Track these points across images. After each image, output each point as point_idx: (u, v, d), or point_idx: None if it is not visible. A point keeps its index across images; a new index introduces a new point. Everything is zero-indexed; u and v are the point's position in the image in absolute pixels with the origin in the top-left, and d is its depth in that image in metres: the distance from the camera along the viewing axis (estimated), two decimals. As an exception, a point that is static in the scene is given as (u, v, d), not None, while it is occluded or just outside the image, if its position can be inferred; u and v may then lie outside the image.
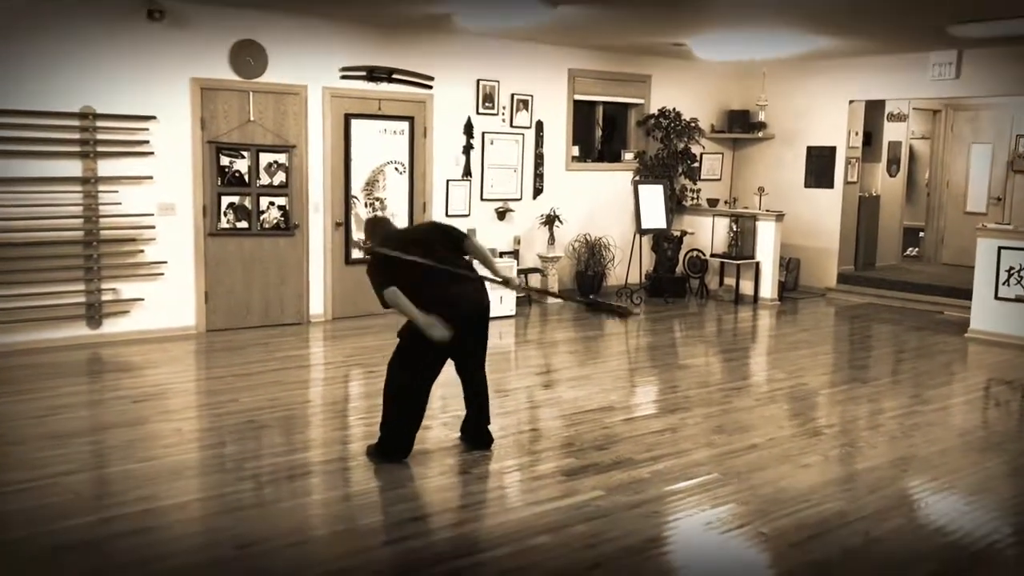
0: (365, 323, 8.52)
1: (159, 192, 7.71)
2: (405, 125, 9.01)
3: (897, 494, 4.65)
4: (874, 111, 11.54)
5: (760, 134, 11.38)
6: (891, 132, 12.11)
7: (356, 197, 8.82)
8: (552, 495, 4.45)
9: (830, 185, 10.98)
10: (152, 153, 7.63)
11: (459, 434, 5.23)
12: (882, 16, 7.70)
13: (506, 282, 5.24)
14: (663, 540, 4.04)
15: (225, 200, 8.06)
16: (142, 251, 7.69)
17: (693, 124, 10.82)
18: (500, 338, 8.43)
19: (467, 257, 5.10)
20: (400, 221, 9.08)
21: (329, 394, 6.57)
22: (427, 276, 4.76)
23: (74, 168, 7.32)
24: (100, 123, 7.38)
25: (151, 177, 7.64)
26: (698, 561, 3.84)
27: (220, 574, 3.61)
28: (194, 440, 5.28)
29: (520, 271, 9.65)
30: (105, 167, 7.45)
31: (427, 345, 4.74)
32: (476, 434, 5.14)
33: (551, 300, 9.95)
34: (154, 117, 7.61)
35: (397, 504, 4.37)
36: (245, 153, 8.10)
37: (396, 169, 9.01)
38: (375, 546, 3.90)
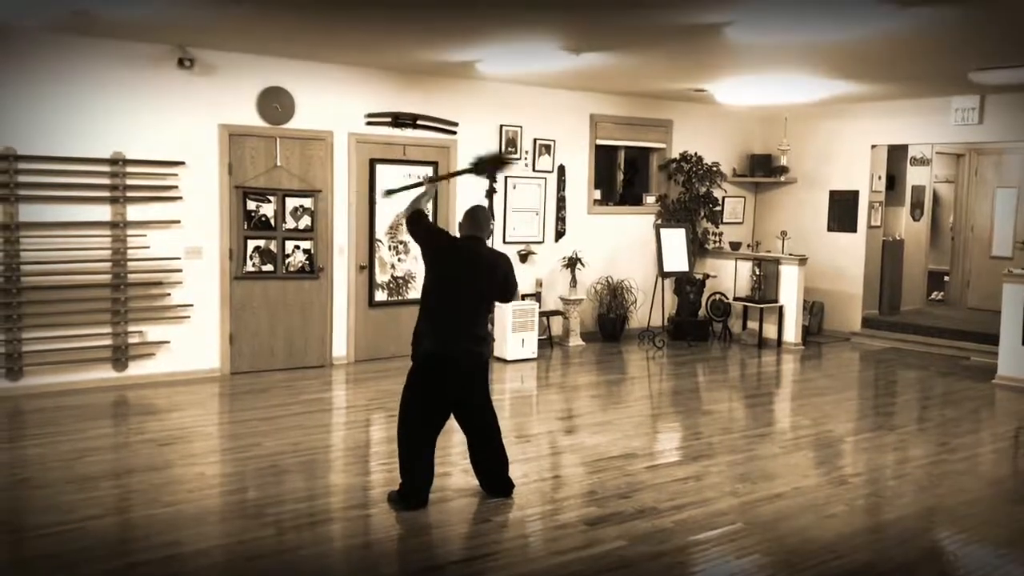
0: (388, 366, 8.55)
1: (186, 236, 7.82)
2: (429, 170, 9.09)
3: (926, 546, 4.58)
4: (897, 155, 11.54)
5: (782, 178, 11.39)
6: (914, 176, 12.09)
7: (380, 241, 8.89)
8: (574, 545, 4.42)
9: (853, 229, 10.95)
10: (180, 198, 7.76)
11: (479, 481, 5.21)
12: (904, 63, 7.74)
13: (422, 186, 5.47)
14: (687, 592, 4.00)
15: (251, 244, 8.16)
16: (169, 294, 7.78)
17: (715, 168, 10.87)
18: (522, 382, 8.43)
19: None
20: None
21: (351, 438, 6.58)
22: (445, 292, 4.84)
23: (104, 212, 7.46)
24: (130, 168, 7.52)
25: (179, 221, 7.76)
26: (723, 614, 3.79)
27: (242, 623, 3.61)
28: (217, 485, 5.30)
29: (542, 313, 9.67)
30: (134, 211, 7.57)
31: (416, 395, 4.79)
32: (496, 484, 5.09)
33: (573, 343, 9.94)
34: (183, 162, 7.75)
35: (417, 553, 4.35)
36: (271, 198, 8.21)
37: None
38: (397, 595, 3.88)
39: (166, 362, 7.82)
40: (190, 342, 7.92)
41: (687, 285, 10.66)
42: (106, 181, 7.44)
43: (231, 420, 6.87)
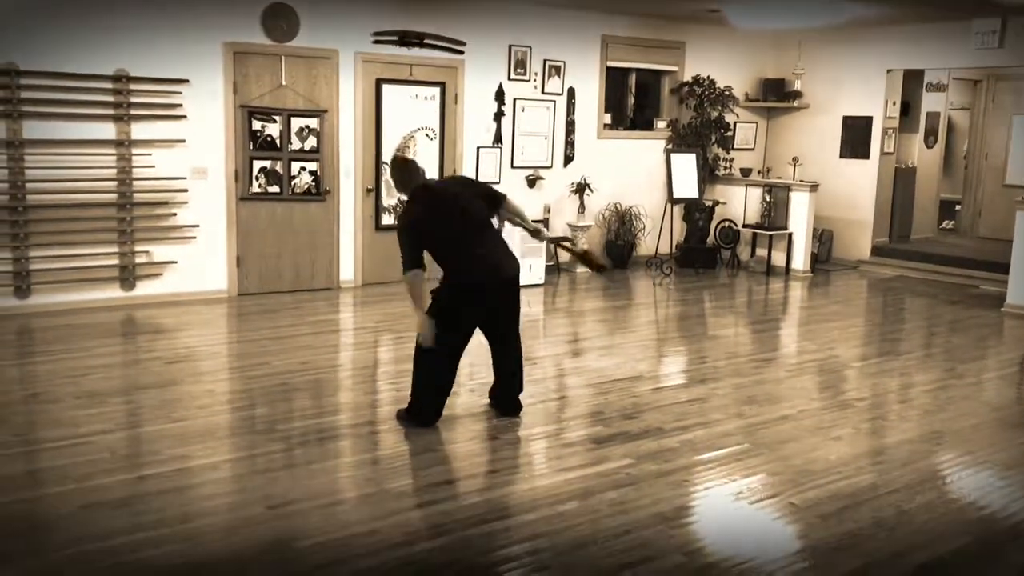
0: (394, 289, 8.53)
1: (192, 156, 7.74)
2: (436, 91, 8.96)
3: (929, 468, 4.60)
4: (912, 81, 11.32)
5: (795, 103, 11.20)
6: (929, 102, 11.88)
7: (387, 163, 8.80)
8: (581, 462, 4.46)
9: (866, 156, 10.80)
10: (185, 117, 7.66)
11: (488, 400, 5.24)
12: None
13: (536, 232, 5.29)
14: (692, 509, 4.03)
15: (257, 164, 8.08)
16: (175, 214, 7.74)
17: (727, 92, 10.67)
18: (529, 307, 8.41)
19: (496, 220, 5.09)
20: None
21: (359, 359, 6.61)
22: (455, 238, 4.75)
23: (108, 131, 7.37)
24: (133, 86, 7.40)
25: (184, 141, 7.67)
26: (727, 531, 3.82)
27: (251, 534, 3.65)
28: (226, 402, 5.34)
29: (549, 240, 9.59)
30: (139, 130, 7.48)
31: (457, 312, 4.74)
32: (506, 401, 5.13)
33: (580, 269, 9.91)
34: (187, 81, 7.63)
35: (426, 468, 4.39)
36: (277, 118, 8.11)
37: (427, 135, 8.98)
38: (405, 508, 3.92)
39: (173, 282, 7.82)
40: (197, 262, 7.91)
41: (696, 212, 10.57)
42: (110, 99, 7.34)
43: (239, 340, 6.90)
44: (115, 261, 7.55)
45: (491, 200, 4.98)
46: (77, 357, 6.06)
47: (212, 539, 3.60)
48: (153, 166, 7.56)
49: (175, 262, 7.80)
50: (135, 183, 7.50)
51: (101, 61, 7.26)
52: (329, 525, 3.73)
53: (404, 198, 4.92)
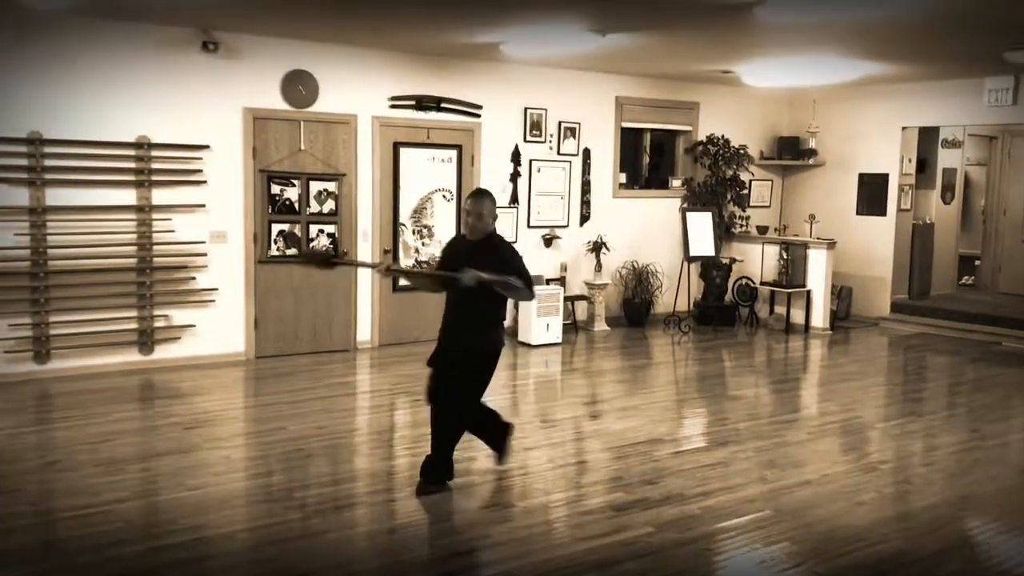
0: (412, 350, 8.52)
1: (211, 220, 7.83)
2: (453, 153, 9.06)
3: (957, 534, 4.50)
4: (928, 137, 11.34)
5: (811, 161, 11.24)
6: (946, 159, 11.88)
7: (404, 224, 8.87)
8: (601, 531, 4.39)
9: (883, 212, 10.78)
10: (205, 182, 7.76)
11: (496, 462, 5.21)
12: (937, 43, 7.57)
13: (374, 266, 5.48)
14: (715, 580, 3.95)
15: (276, 228, 8.16)
16: (194, 278, 7.80)
17: (742, 151, 10.74)
18: (546, 366, 8.39)
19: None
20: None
21: (376, 422, 6.58)
22: (448, 292, 4.90)
23: (129, 196, 7.47)
24: (155, 152, 7.52)
25: (203, 205, 7.76)
26: (751, 603, 3.74)
27: (267, 607, 3.61)
28: (243, 468, 5.31)
29: (567, 298, 9.61)
30: (159, 195, 7.58)
31: (485, 363, 4.90)
32: (436, 469, 4.89)
33: (598, 328, 9.89)
34: (207, 146, 7.75)
35: (443, 538, 4.34)
36: (296, 181, 8.20)
37: (444, 197, 9.05)
38: (422, 581, 3.87)
39: (191, 346, 7.85)
40: (215, 326, 7.95)
41: (713, 269, 10.55)
42: (131, 165, 7.46)
43: (256, 404, 6.89)
44: (134, 325, 7.59)
45: (497, 263, 4.77)
46: (95, 423, 6.06)
47: (227, 614, 3.55)
48: (173, 230, 7.64)
49: (193, 325, 7.84)
50: (155, 247, 7.57)
51: (123, 128, 7.39)
52: (345, 599, 3.67)
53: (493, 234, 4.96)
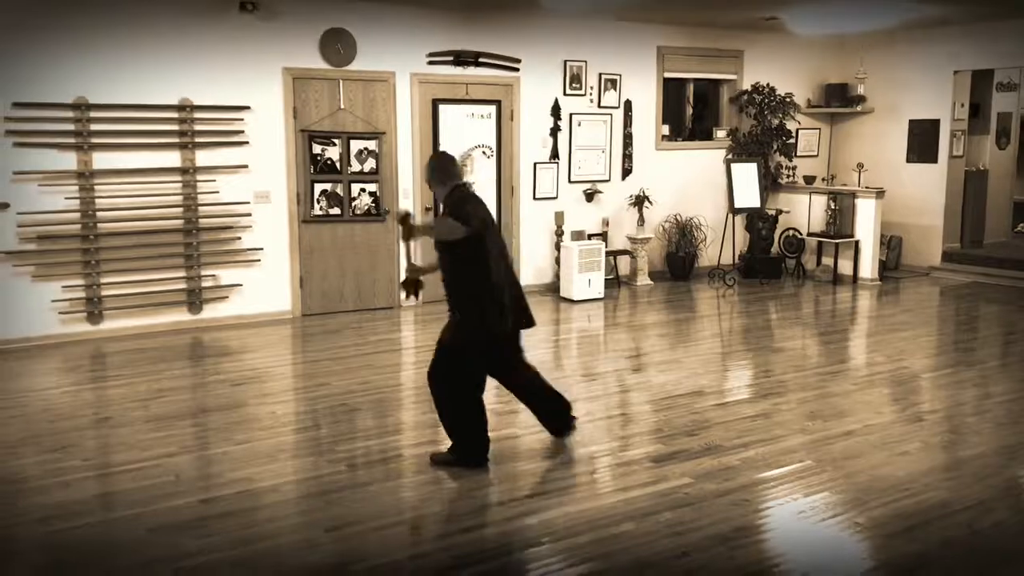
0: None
1: (254, 181, 7.92)
2: (492, 109, 9.02)
3: (1003, 484, 4.44)
4: (982, 81, 10.99)
5: (859, 108, 10.97)
6: (1001, 102, 11.51)
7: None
8: (640, 481, 4.41)
9: (933, 160, 10.51)
10: (247, 143, 7.84)
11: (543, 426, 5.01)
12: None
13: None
14: (753, 529, 3.95)
15: (318, 187, 8.22)
16: (239, 238, 7.92)
17: (788, 99, 10.51)
18: (589, 321, 8.39)
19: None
20: (488, 204, 9.09)
21: (419, 378, 6.62)
22: (500, 257, 4.54)
23: (173, 159, 7.58)
24: (197, 114, 7.61)
25: (246, 166, 7.85)
26: (789, 551, 3.73)
27: (311, 555, 3.70)
28: (289, 423, 5.42)
29: (609, 253, 9.57)
30: (203, 157, 7.68)
31: (486, 362, 4.61)
32: (559, 416, 4.87)
33: (641, 282, 9.85)
34: (248, 107, 7.81)
35: (483, 489, 4.39)
36: (336, 141, 8.24)
37: (484, 153, 9.03)
38: (462, 530, 3.92)
39: (239, 305, 7.99)
40: (262, 285, 8.07)
41: (759, 221, 10.41)
42: (175, 127, 7.56)
43: (302, 360, 7.00)
44: (183, 285, 7.75)
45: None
46: (146, 381, 6.23)
47: (273, 563, 3.65)
48: (217, 192, 7.75)
49: (240, 285, 7.97)
50: (200, 209, 7.69)
51: (166, 91, 7.48)
52: (384, 548, 3.75)
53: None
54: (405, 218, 4.60)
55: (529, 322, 4.69)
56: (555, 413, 4.85)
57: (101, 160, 7.30)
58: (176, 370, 6.60)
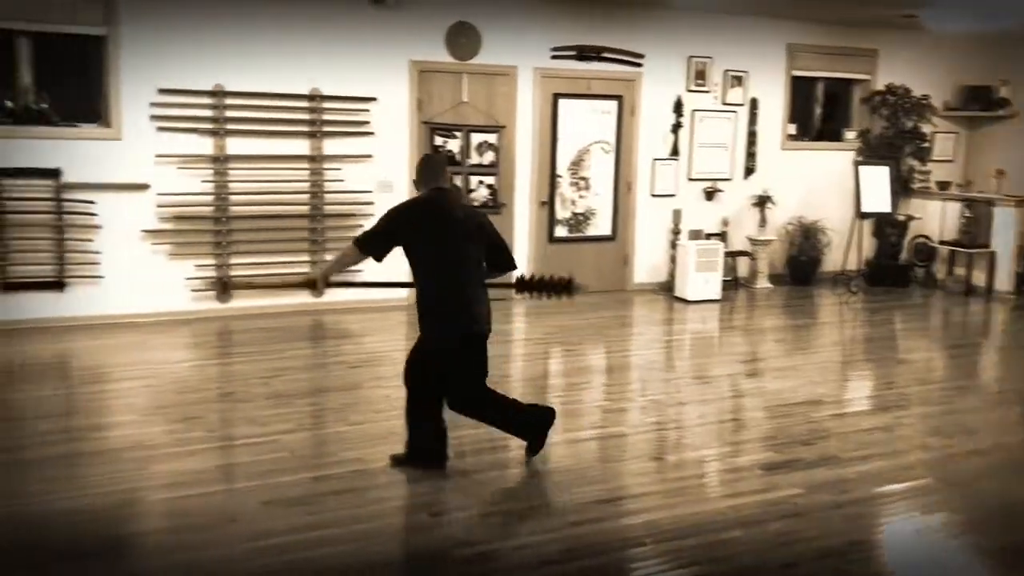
0: (565, 301, 8.56)
1: (377, 170, 8.10)
2: (613, 104, 8.97)
3: None
4: None
5: (1001, 112, 10.39)
6: None
7: (561, 176, 8.88)
8: (749, 488, 4.31)
9: (1085, 168, 9.87)
10: (372, 133, 8.03)
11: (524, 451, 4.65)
12: None
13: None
14: (866, 544, 3.81)
15: (438, 178, 8.35)
16: (361, 225, 8.11)
17: (924, 101, 10.06)
18: (703, 322, 8.25)
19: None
20: (604, 200, 9.09)
21: (528, 369, 6.68)
22: (447, 263, 4.29)
23: (302, 146, 7.84)
24: (326, 104, 7.84)
25: (371, 156, 8.04)
26: (903, 570, 3.58)
27: (415, 538, 3.77)
28: (401, 407, 5.49)
29: (727, 253, 9.38)
30: (330, 146, 7.91)
31: (430, 358, 4.39)
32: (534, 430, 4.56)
33: (760, 285, 9.63)
34: (375, 99, 8.00)
35: (590, 485, 4.37)
36: (457, 133, 8.35)
37: (603, 148, 8.99)
38: (565, 525, 3.92)
39: (359, 289, 8.18)
40: (382, 271, 8.20)
41: (888, 227, 10.01)
42: (304, 116, 7.81)
43: (416, 348, 7.12)
44: (306, 269, 7.99)
45: (501, 256, 4.51)
46: (268, 359, 6.47)
47: (379, 542, 3.74)
48: (342, 180, 7.97)
49: (361, 271, 8.15)
50: (325, 196, 7.93)
51: (297, 81, 7.74)
52: (488, 535, 3.79)
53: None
54: (309, 284, 4.66)
55: (484, 330, 4.45)
56: (531, 424, 4.57)
57: (235, 145, 7.61)
58: (297, 350, 6.83)
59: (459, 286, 4.32)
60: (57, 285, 7.24)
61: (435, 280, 4.32)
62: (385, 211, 4.42)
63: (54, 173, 7.10)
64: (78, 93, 7.34)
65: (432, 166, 4.49)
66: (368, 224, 5.07)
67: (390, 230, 4.32)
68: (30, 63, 7.15)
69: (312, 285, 4.64)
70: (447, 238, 4.29)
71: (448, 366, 4.36)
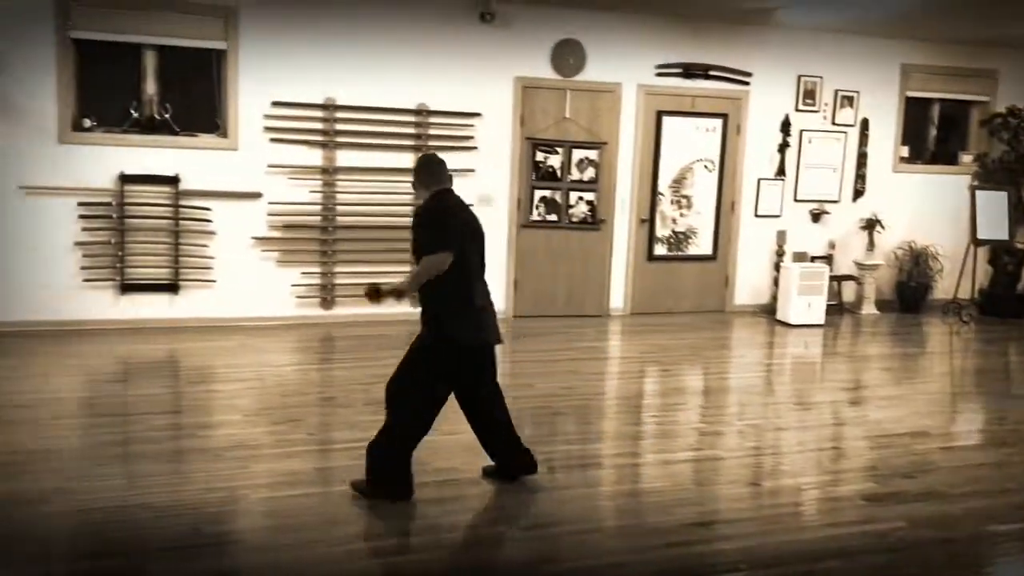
0: (663, 320, 8.52)
1: (479, 184, 8.21)
2: (718, 122, 8.87)
3: None
4: None
5: None
6: None
7: (662, 194, 8.82)
8: (848, 519, 4.19)
9: None
10: (476, 148, 8.14)
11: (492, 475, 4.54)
12: None
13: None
14: (973, 586, 3.66)
15: (538, 194, 8.41)
16: (461, 238, 8.23)
17: (1048, 125, 9.61)
18: (806, 347, 8.06)
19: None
20: (706, 219, 8.98)
21: (623, 388, 6.65)
22: (480, 265, 4.27)
23: (407, 160, 7.99)
24: (432, 119, 7.99)
25: (473, 170, 8.15)
26: (1015, 616, 3.43)
27: (506, 551, 3.79)
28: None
29: (833, 277, 9.14)
30: (434, 159, 8.05)
31: (447, 384, 4.31)
32: (516, 455, 4.47)
33: (866, 311, 9.34)
34: (479, 114, 8.11)
35: (685, 507, 4.31)
36: (559, 149, 8.40)
37: (706, 167, 8.89)
38: (659, 546, 3.87)
39: (456, 302, 8.30)
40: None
41: (1005, 255, 9.59)
42: (411, 130, 7.98)
43: (510, 360, 7.16)
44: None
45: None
46: (369, 366, 6.61)
47: (470, 553, 3.77)
48: (444, 193, 8.09)
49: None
50: (428, 208, 8.06)
51: (405, 95, 7.91)
52: (580, 552, 3.78)
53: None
54: (374, 294, 4.45)
55: (497, 339, 4.41)
56: (512, 454, 4.47)
57: (343, 157, 7.83)
58: (396, 358, 6.87)
59: (487, 289, 4.36)
60: (172, 288, 7.57)
61: (472, 281, 4.24)
62: (431, 217, 4.19)
63: (174, 180, 7.44)
64: (198, 104, 7.69)
65: (437, 166, 4.36)
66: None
67: (455, 226, 4.16)
68: (155, 75, 7.52)
69: (399, 295, 4.41)
70: (479, 239, 4.31)
71: (481, 360, 4.35)
